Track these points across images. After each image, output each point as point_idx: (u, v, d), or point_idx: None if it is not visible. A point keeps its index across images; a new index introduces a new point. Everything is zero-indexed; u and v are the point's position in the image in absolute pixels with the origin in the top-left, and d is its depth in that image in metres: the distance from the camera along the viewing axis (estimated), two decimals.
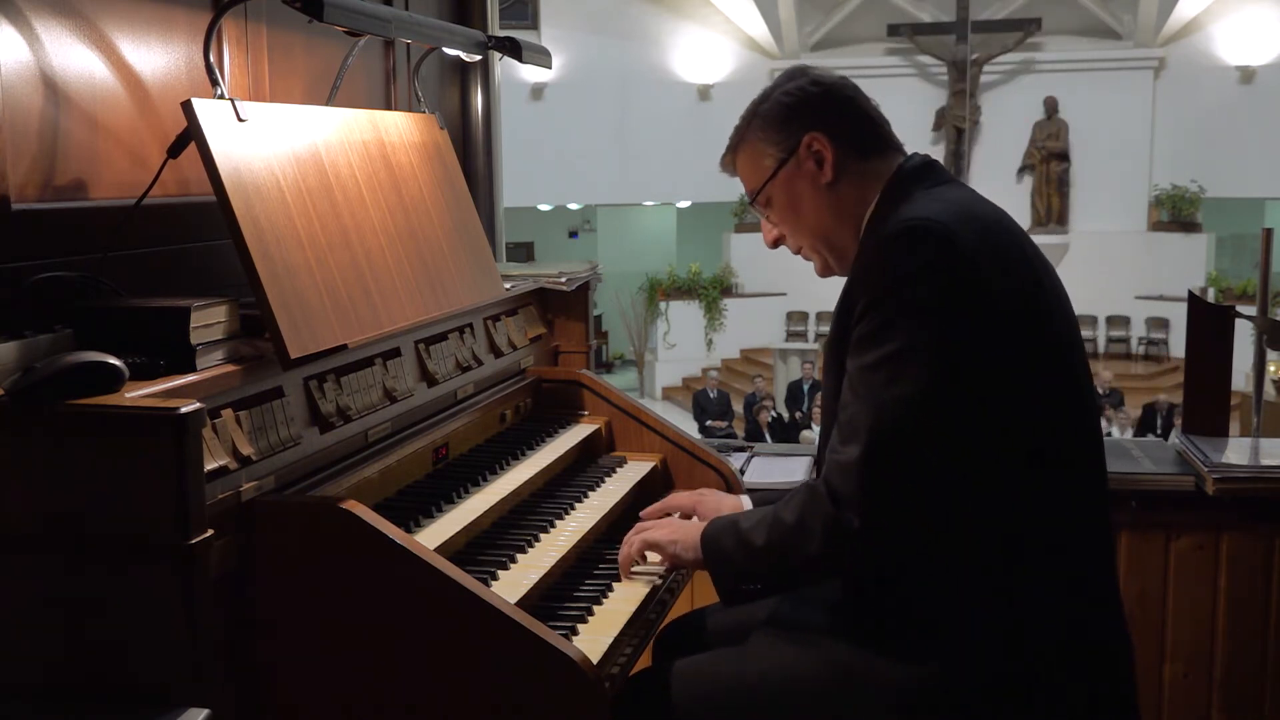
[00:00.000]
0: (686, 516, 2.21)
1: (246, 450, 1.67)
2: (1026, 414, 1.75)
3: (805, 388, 15.18)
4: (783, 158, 1.94)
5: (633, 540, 2.08)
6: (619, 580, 2.05)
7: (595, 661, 1.68)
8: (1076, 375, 1.84)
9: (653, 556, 2.09)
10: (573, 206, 21.26)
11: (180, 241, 2.05)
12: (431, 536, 1.88)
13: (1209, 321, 3.12)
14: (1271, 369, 10.25)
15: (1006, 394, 1.73)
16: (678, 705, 1.87)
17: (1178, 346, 17.30)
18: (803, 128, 1.93)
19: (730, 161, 2.04)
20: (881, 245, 1.78)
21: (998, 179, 17.62)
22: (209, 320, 1.67)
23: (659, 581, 2.07)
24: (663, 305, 19.05)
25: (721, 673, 1.90)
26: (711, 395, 15.37)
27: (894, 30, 18.56)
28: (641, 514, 2.25)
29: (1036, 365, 1.77)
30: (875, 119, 1.98)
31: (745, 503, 2.23)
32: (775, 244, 2.04)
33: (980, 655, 1.74)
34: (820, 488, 1.77)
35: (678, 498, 2.28)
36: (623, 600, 1.98)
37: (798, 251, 2.03)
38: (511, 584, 1.87)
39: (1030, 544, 1.76)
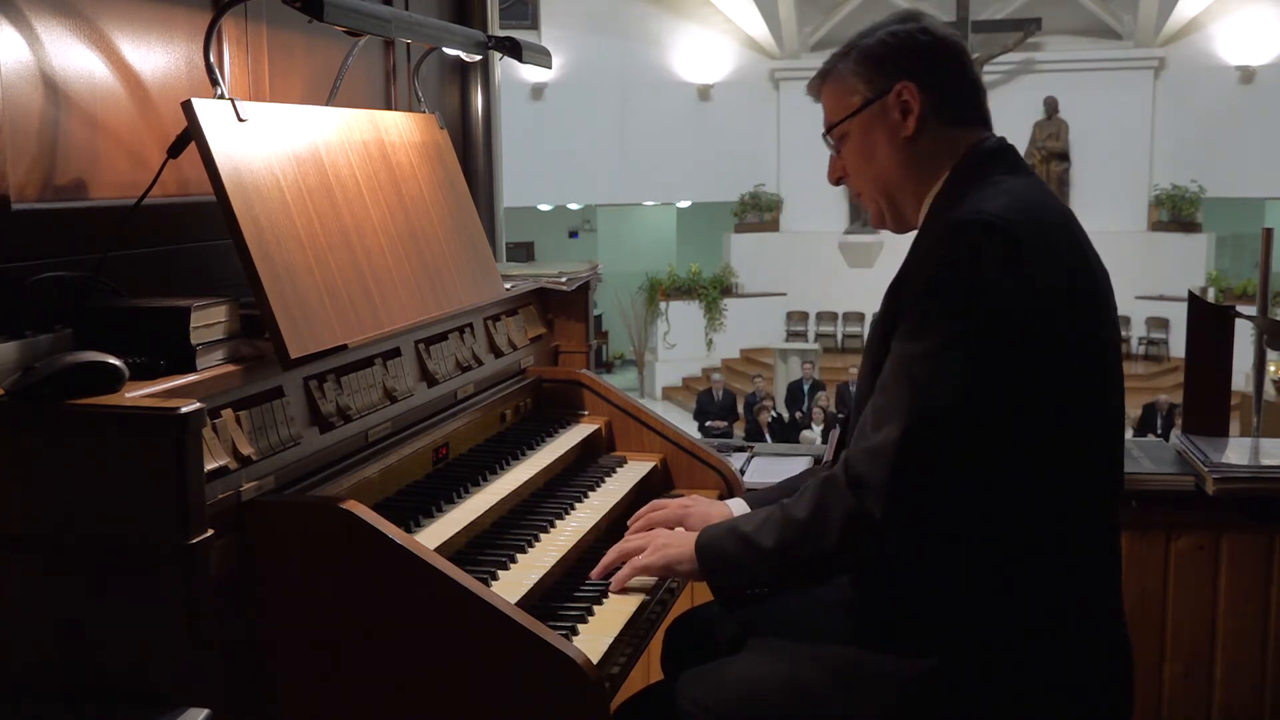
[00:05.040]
0: (672, 528, 2.10)
1: (246, 450, 1.67)
2: (1061, 420, 1.73)
3: (805, 388, 15.16)
4: (870, 98, 1.88)
5: (622, 567, 1.99)
6: None
7: (595, 662, 1.67)
8: (1113, 383, 1.82)
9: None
10: (573, 206, 21.25)
11: (180, 241, 2.05)
12: (432, 536, 1.88)
13: (1209, 321, 3.12)
14: (1271, 369, 10.26)
15: (1046, 399, 1.71)
16: (685, 715, 1.85)
17: (1178, 346, 17.29)
18: (899, 73, 1.86)
19: (817, 86, 1.97)
20: (945, 235, 1.74)
21: None
22: (209, 320, 1.67)
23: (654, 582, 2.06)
24: (663, 305, 19.05)
25: (727, 679, 1.87)
26: (716, 397, 15.33)
27: None
28: (629, 521, 2.16)
29: (1080, 373, 1.75)
30: (975, 86, 1.92)
31: (736, 509, 2.12)
32: (837, 181, 1.98)
33: (982, 651, 1.74)
34: (839, 475, 1.73)
35: (664, 512, 2.15)
36: (623, 600, 1.97)
37: (858, 195, 1.97)
38: (512, 584, 1.87)
39: (1039, 542, 1.76)
